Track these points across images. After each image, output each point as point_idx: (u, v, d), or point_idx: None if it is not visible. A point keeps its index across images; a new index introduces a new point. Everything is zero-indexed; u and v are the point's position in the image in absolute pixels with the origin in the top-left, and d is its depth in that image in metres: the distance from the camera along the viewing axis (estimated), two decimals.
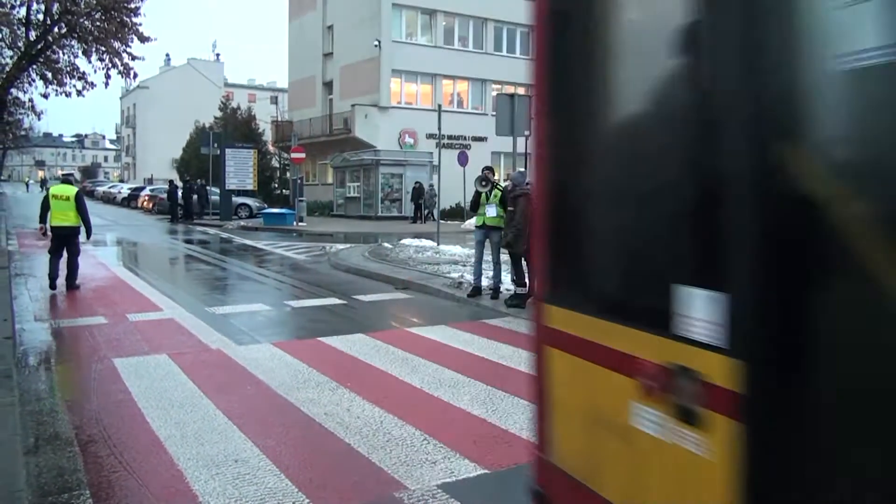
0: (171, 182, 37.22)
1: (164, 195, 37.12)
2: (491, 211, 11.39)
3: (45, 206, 12.42)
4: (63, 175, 13.91)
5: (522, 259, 10.80)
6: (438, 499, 4.43)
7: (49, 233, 12.56)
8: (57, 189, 12.46)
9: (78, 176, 51.36)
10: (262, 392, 6.68)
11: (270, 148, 49.03)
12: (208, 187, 34.17)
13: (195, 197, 33.65)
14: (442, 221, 22.30)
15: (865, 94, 1.57)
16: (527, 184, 11.53)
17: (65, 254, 12.16)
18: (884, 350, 1.46)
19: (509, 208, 10.79)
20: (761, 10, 1.63)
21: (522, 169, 12.18)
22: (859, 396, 1.53)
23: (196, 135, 45.69)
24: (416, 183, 33.30)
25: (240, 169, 33.39)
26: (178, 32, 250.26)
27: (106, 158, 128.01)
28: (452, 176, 29.43)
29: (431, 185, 30.43)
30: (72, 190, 12.45)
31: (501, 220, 11.37)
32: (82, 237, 12.43)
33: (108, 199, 52.98)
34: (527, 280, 10.81)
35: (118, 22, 20.09)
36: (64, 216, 12.17)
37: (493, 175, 11.74)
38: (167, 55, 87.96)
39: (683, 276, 1.85)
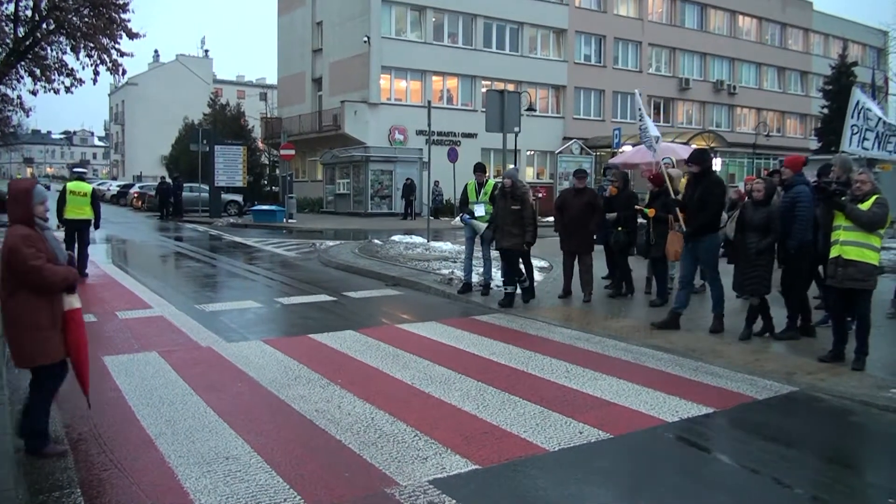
0: (161, 178, 37.07)
1: (153, 192, 36.92)
2: (479, 210, 11.38)
3: (62, 202, 13.51)
4: (76, 172, 15.27)
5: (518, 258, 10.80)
6: (429, 494, 4.45)
7: (62, 226, 13.69)
8: (74, 185, 13.67)
9: (67, 173, 51.14)
10: (252, 389, 6.68)
11: (260, 145, 48.86)
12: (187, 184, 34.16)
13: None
14: (432, 218, 22.32)
15: None
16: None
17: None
18: None
19: (514, 207, 10.39)
20: None
21: (514, 166, 12.20)
22: None
23: (185, 132, 45.46)
24: (408, 179, 33.27)
25: (229, 166, 33.27)
26: (166, 28, 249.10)
27: (95, 155, 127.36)
28: (442, 172, 29.46)
29: (437, 182, 30.43)
30: (88, 187, 13.95)
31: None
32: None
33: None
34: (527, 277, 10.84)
35: (107, 18, 19.93)
36: (80, 210, 13.49)
37: (485, 172, 11.75)
38: (156, 51, 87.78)
39: None
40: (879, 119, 9.16)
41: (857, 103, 9.15)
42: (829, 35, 56.75)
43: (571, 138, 38.09)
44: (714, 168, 10.61)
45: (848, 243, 7.04)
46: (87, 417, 5.75)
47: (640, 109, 11.28)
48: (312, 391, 6.56)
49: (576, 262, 11.22)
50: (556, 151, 37.14)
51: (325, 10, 41.20)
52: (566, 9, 43.07)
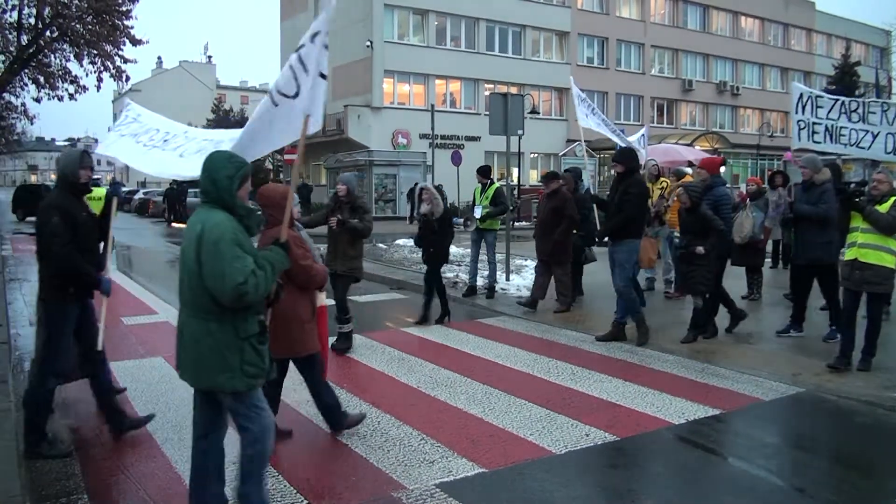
0: (170, 184, 37.15)
1: (159, 198, 37.02)
2: (477, 212, 11.38)
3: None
4: (93, 180, 16.20)
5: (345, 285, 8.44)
6: (436, 498, 4.44)
7: None
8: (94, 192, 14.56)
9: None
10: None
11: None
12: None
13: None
14: None
15: None
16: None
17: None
18: None
19: (332, 222, 8.07)
20: None
21: (357, 172, 11.91)
22: None
23: None
24: (416, 184, 33.32)
25: None
26: (169, 35, 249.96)
27: (99, 162, 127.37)
28: (446, 176, 29.49)
29: (440, 186, 30.42)
30: (103, 190, 14.99)
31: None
32: None
33: None
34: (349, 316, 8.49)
35: (110, 25, 20.00)
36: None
37: (488, 175, 11.72)
38: (159, 58, 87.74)
39: None
40: (834, 103, 8.98)
41: (801, 96, 8.99)
42: (833, 35, 56.66)
43: (575, 140, 38.00)
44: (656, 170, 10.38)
45: (866, 246, 6.90)
46: (94, 423, 5.76)
47: (577, 99, 10.91)
48: None
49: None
50: (560, 154, 37.13)
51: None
52: (568, 11, 43.09)
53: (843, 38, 54.45)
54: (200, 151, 5.26)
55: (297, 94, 4.74)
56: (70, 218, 5.15)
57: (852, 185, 7.32)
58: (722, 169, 10.56)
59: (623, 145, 10.90)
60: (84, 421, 5.86)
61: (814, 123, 8.87)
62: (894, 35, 39.59)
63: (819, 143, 8.91)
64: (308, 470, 4.89)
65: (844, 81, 40.47)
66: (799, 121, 8.91)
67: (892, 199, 6.85)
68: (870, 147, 8.77)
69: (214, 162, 3.96)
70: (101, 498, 4.48)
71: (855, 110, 8.74)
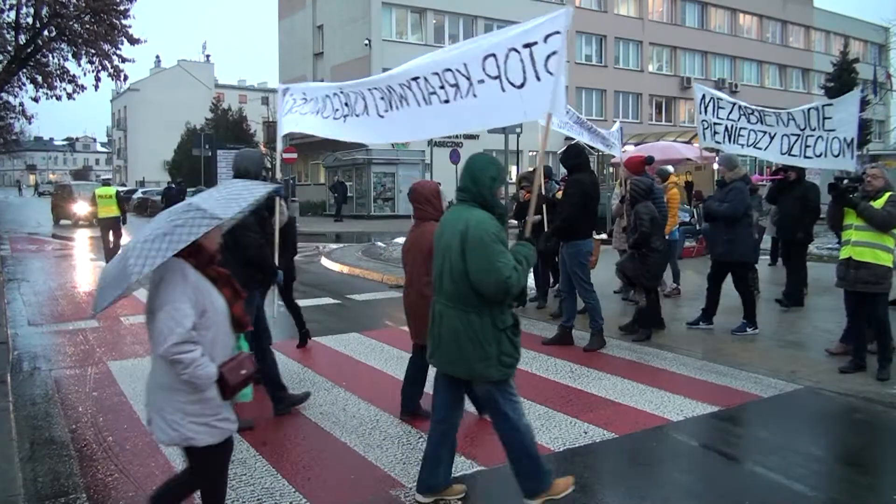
0: (168, 184, 37.17)
1: (157, 197, 37.01)
2: None
3: (93, 205, 16.74)
4: (103, 180, 19.21)
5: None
6: None
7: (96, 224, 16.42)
8: (101, 190, 16.17)
9: (69, 179, 51.44)
10: (257, 392, 6.66)
11: (262, 149, 48.94)
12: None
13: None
14: None
15: None
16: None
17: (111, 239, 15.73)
18: None
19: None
20: None
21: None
22: None
23: (187, 136, 45.56)
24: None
25: (232, 171, 33.28)
26: (168, 34, 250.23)
27: (97, 161, 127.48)
28: (445, 174, 29.48)
29: (439, 184, 30.49)
30: (112, 190, 16.39)
31: None
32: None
33: None
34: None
35: (107, 24, 20.01)
36: (109, 209, 15.83)
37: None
38: (157, 57, 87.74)
39: None
40: (734, 105, 9.10)
41: (703, 97, 9.16)
42: (831, 32, 56.67)
43: (574, 138, 38.04)
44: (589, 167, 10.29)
45: (860, 244, 6.68)
46: (93, 423, 5.77)
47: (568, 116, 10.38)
48: (317, 394, 6.55)
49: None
50: (558, 152, 37.15)
51: (325, 13, 41.26)
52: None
53: (841, 34, 54.42)
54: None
55: (523, 85, 5.15)
56: (258, 215, 5.66)
57: (846, 181, 7.22)
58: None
59: (598, 143, 10.85)
60: (83, 421, 5.85)
61: (715, 124, 9.13)
62: (892, 31, 39.50)
63: (720, 142, 9.12)
64: (307, 469, 4.89)
65: (843, 79, 40.42)
66: (703, 120, 9.16)
67: (888, 194, 6.64)
68: (766, 148, 8.93)
69: (478, 162, 4.18)
70: (100, 497, 4.48)
71: (752, 113, 8.90)
